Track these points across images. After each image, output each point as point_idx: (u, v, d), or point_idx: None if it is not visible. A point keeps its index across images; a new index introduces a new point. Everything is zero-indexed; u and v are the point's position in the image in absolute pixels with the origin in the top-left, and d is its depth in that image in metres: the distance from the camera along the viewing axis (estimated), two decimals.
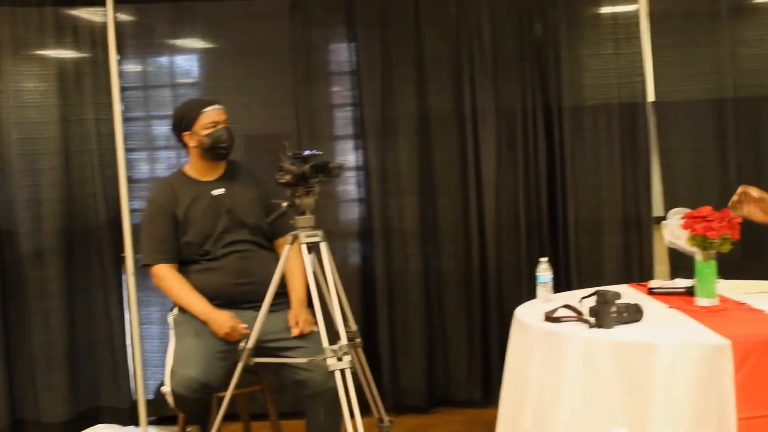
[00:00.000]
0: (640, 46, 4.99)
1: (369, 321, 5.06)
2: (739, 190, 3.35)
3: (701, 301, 3.56)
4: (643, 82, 4.99)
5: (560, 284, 4.72)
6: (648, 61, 4.97)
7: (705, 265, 3.56)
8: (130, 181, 4.88)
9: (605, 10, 5.05)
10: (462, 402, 5.11)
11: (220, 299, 3.67)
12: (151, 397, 4.73)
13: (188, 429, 3.81)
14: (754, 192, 3.29)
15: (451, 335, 5.14)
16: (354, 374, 3.46)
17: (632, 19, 4.98)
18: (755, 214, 3.34)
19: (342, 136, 5.12)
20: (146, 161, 5.07)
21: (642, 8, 4.95)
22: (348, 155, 5.10)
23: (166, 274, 3.70)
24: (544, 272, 3.95)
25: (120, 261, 4.88)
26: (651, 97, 5.00)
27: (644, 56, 4.98)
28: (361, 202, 5.15)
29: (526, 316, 3.65)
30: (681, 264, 4.27)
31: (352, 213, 5.17)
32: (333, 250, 4.70)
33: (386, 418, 3.77)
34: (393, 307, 5.10)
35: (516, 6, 5.00)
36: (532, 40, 5.03)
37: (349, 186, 5.11)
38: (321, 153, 3.48)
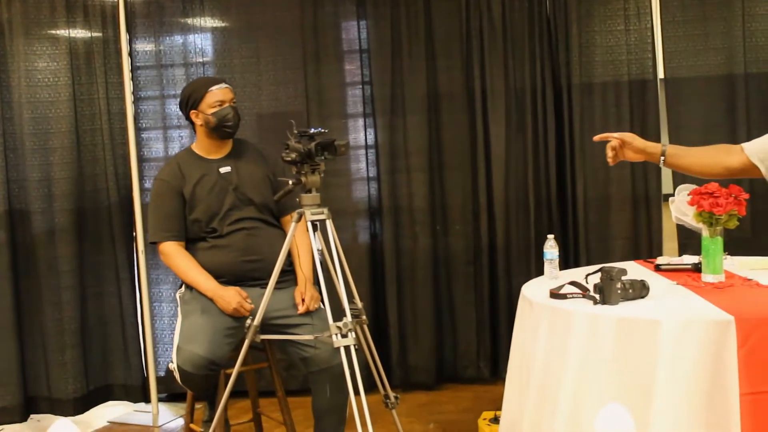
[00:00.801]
0: (650, 21, 4.99)
1: (378, 299, 5.13)
2: (617, 136, 3.38)
3: (707, 277, 3.57)
4: (653, 59, 5.01)
5: (569, 261, 4.92)
6: (658, 37, 4.98)
7: (711, 241, 3.55)
8: (143, 160, 4.93)
9: None
10: (470, 378, 5.16)
11: (226, 276, 3.70)
12: (162, 374, 4.79)
13: (197, 405, 3.86)
14: (627, 137, 3.35)
15: (459, 312, 5.18)
16: (360, 351, 3.49)
17: None
18: (629, 155, 3.39)
19: (352, 114, 5.14)
20: (159, 140, 5.10)
21: None
22: (358, 133, 5.12)
23: (173, 251, 3.73)
24: (551, 249, 3.88)
25: (131, 240, 4.92)
26: (661, 73, 5.02)
27: (654, 32, 4.99)
28: (371, 181, 5.17)
29: (533, 292, 3.65)
30: (689, 241, 4.28)
31: (361, 191, 5.20)
32: (343, 228, 4.84)
33: (392, 395, 3.77)
34: (401, 284, 5.13)
35: None
36: (541, 17, 5.03)
37: (359, 164, 5.14)
38: (327, 131, 3.47)
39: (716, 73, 4.99)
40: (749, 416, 2.96)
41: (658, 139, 4.91)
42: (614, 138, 3.35)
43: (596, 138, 3.41)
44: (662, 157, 3.37)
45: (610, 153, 3.36)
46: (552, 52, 5.08)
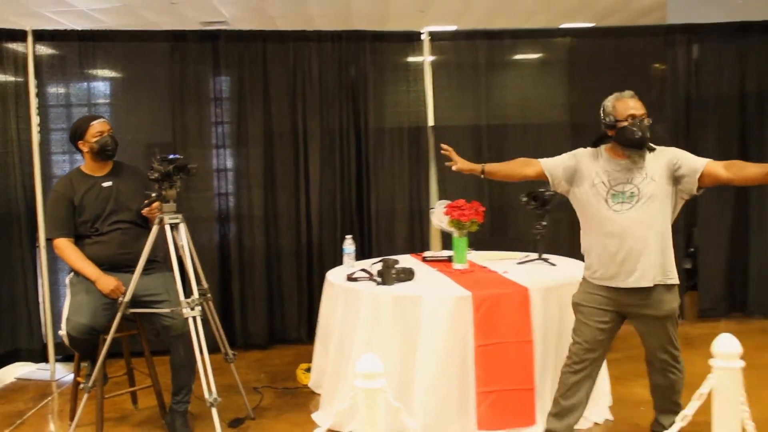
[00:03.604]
0: (424, 85, 5.80)
1: (225, 282, 5.66)
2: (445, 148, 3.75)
3: (456, 265, 4.39)
4: (425, 112, 5.79)
5: (364, 254, 5.54)
6: (429, 97, 5.78)
7: (459, 240, 4.37)
8: (52, 177, 5.20)
9: (400, 59, 5.83)
10: (293, 340, 5.76)
11: (106, 264, 3.92)
12: (58, 341, 5.00)
13: (82, 364, 4.08)
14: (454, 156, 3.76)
15: (285, 291, 5.75)
16: (206, 321, 3.85)
17: (419, 66, 5.82)
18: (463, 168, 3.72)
19: (208, 146, 5.60)
20: (66, 162, 5.34)
21: (426, 59, 5.77)
22: (212, 159, 5.60)
23: (64, 245, 3.93)
24: (349, 246, 4.66)
25: (34, 239, 5.23)
26: (431, 122, 5.80)
27: (427, 93, 5.78)
28: (222, 195, 5.67)
29: (334, 277, 4.35)
30: (449, 239, 4.75)
31: (216, 203, 5.65)
32: (202, 230, 5.47)
33: (230, 352, 4.19)
34: (243, 271, 5.65)
35: (337, 54, 5.67)
36: (348, 79, 5.72)
37: (215, 183, 5.60)
38: (182, 157, 3.77)
39: (468, 124, 5.87)
40: (480, 360, 3.67)
41: (428, 168, 5.78)
42: (449, 153, 3.74)
43: (444, 148, 3.78)
44: (482, 175, 3.67)
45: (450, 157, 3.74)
46: (355, 104, 5.73)
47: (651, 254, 3.32)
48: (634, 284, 3.34)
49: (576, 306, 3.55)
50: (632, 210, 3.33)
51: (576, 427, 3.80)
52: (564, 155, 3.58)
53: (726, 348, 2.12)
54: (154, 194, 3.79)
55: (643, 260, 3.32)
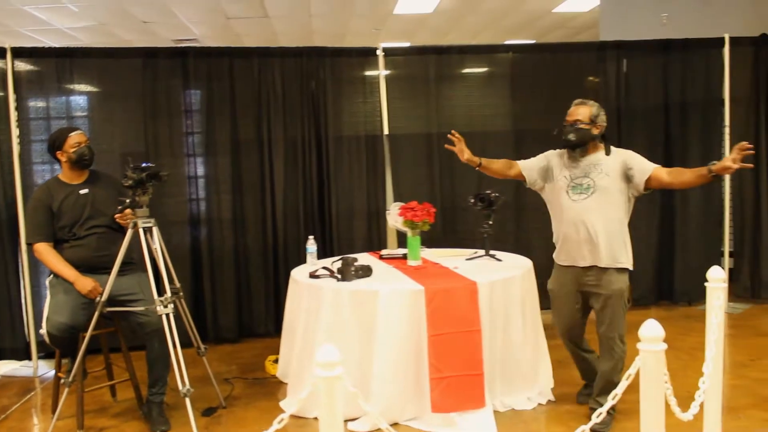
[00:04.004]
0: (379, 97, 5.81)
1: (198, 280, 5.60)
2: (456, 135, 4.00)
3: (411, 262, 4.40)
4: (381, 121, 5.81)
5: (326, 253, 5.53)
6: (384, 107, 5.80)
7: (413, 239, 4.39)
8: (31, 185, 5.13)
9: (357, 73, 5.83)
10: (261, 334, 5.72)
11: (83, 267, 3.88)
12: (41, 339, 4.89)
13: (63, 360, 4.03)
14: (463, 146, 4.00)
15: (254, 288, 5.72)
16: (179, 317, 3.84)
17: (375, 79, 5.82)
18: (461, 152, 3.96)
19: (179, 154, 5.54)
20: (47, 171, 5.26)
21: (381, 73, 5.78)
22: (184, 167, 5.54)
23: (43, 249, 3.90)
24: (311, 245, 4.65)
25: (16, 244, 5.16)
26: (386, 131, 5.83)
27: (382, 104, 5.80)
28: (194, 201, 5.62)
29: (298, 274, 4.33)
30: (404, 238, 4.67)
31: (188, 207, 5.59)
32: (176, 233, 5.43)
33: (202, 346, 4.16)
34: (214, 270, 5.61)
35: (298, 69, 5.67)
36: (309, 91, 5.71)
37: (186, 189, 5.55)
38: (154, 165, 3.76)
39: (420, 132, 5.90)
40: (433, 348, 3.67)
41: (383, 173, 5.80)
42: (457, 140, 3.98)
43: (452, 134, 4.00)
44: (478, 167, 3.97)
45: (455, 147, 3.99)
46: (315, 115, 5.72)
47: (602, 239, 3.60)
48: (590, 263, 3.65)
49: (550, 292, 3.91)
50: (588, 200, 3.63)
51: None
52: (538, 157, 3.91)
53: (651, 333, 2.19)
54: (128, 200, 3.78)
55: (596, 243, 3.61)
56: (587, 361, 4.01)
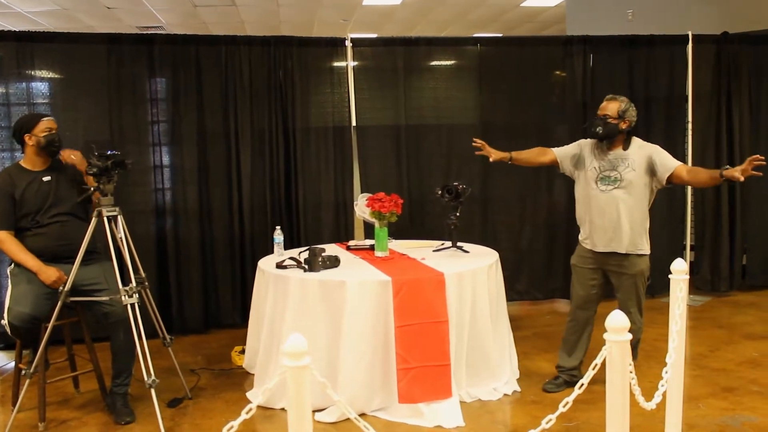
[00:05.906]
0: (347, 88, 5.82)
1: (163, 271, 5.54)
2: (480, 144, 4.15)
3: (378, 253, 4.42)
4: (349, 112, 5.83)
5: (293, 244, 5.55)
6: (352, 99, 5.83)
7: (380, 230, 4.40)
8: None
9: (325, 64, 5.83)
10: (227, 324, 5.73)
11: (46, 256, 3.84)
12: (0, 330, 4.68)
13: (24, 351, 4.01)
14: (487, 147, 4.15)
15: (220, 279, 5.71)
16: (144, 307, 3.82)
17: (342, 70, 5.83)
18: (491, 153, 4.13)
19: (144, 143, 5.47)
20: (6, 159, 5.22)
21: (349, 64, 5.80)
22: (149, 156, 5.48)
23: (5, 238, 3.83)
24: (278, 236, 4.67)
25: None
26: (354, 122, 5.85)
27: (350, 95, 5.82)
28: (159, 191, 5.56)
29: (265, 265, 4.32)
30: (371, 229, 4.85)
31: (154, 197, 5.53)
32: (141, 222, 5.37)
33: (168, 337, 4.15)
34: (180, 261, 5.57)
35: (266, 58, 5.65)
36: (276, 82, 5.70)
37: (152, 178, 5.49)
38: (119, 153, 3.75)
39: (388, 123, 5.92)
40: (400, 339, 3.69)
41: (352, 163, 5.81)
42: (480, 144, 4.13)
43: (476, 142, 4.15)
44: (509, 161, 4.15)
45: (483, 151, 4.15)
46: (283, 105, 5.71)
47: (625, 227, 3.87)
48: (613, 249, 3.92)
49: (573, 267, 4.15)
50: (615, 191, 3.89)
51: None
52: (571, 145, 4.14)
53: (617, 323, 2.23)
54: (92, 188, 3.79)
55: (619, 231, 3.88)
56: (582, 338, 4.14)
